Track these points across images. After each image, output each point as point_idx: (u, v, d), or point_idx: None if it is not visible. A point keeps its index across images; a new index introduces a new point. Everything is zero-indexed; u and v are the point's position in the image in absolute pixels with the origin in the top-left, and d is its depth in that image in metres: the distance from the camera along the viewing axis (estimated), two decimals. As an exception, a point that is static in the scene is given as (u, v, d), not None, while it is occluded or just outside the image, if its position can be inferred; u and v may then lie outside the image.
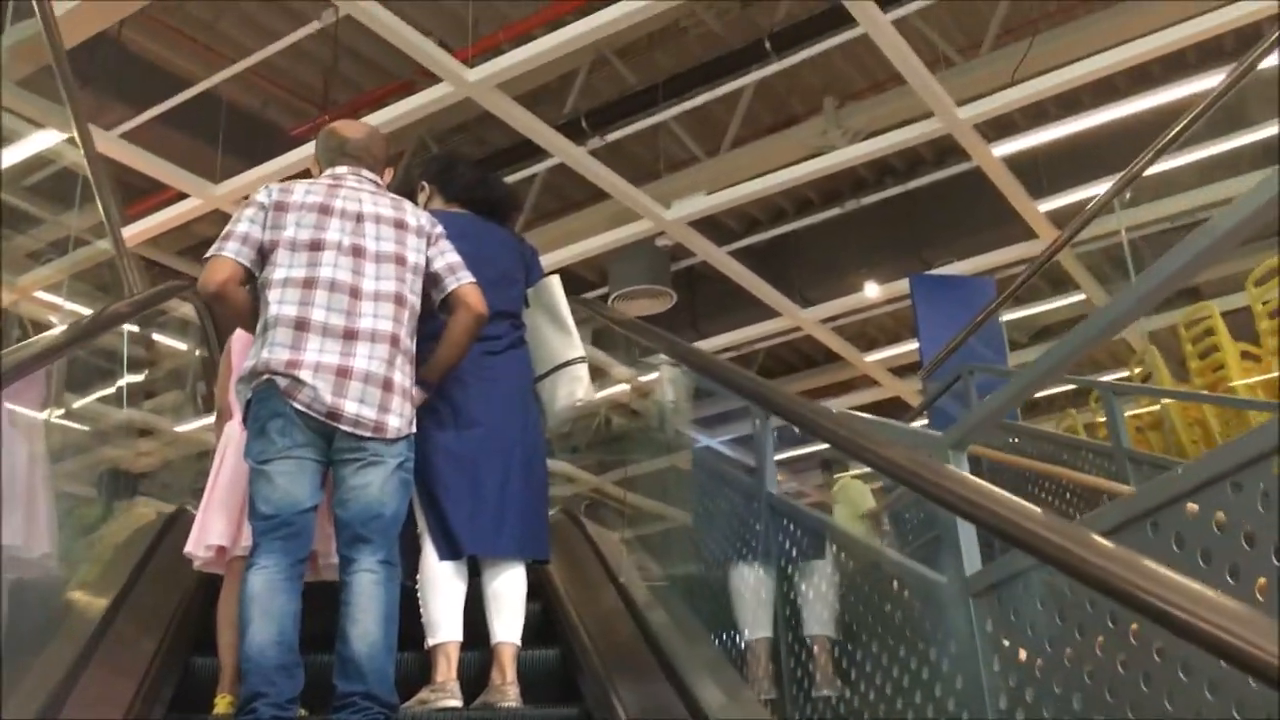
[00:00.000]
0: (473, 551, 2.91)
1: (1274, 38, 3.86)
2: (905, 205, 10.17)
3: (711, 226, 9.95)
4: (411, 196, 3.28)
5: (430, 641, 2.84)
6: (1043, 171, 8.85)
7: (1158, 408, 5.95)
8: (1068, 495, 5.19)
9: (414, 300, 2.84)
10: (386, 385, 2.68)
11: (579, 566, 3.80)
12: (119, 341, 4.57)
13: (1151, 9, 7.49)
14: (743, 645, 3.21)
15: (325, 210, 2.81)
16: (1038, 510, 1.66)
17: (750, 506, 3.40)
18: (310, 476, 2.63)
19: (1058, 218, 8.76)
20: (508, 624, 2.91)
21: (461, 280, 2.89)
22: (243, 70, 8.74)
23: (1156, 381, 5.84)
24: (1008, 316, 8.22)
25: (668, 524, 4.86)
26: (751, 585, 3.22)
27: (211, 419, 3.47)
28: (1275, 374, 4.99)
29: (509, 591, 2.93)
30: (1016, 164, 8.47)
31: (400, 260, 2.83)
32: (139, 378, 4.97)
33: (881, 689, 2.45)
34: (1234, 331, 5.44)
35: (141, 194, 9.30)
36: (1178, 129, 4.47)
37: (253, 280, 2.79)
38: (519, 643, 2.91)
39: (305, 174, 3.29)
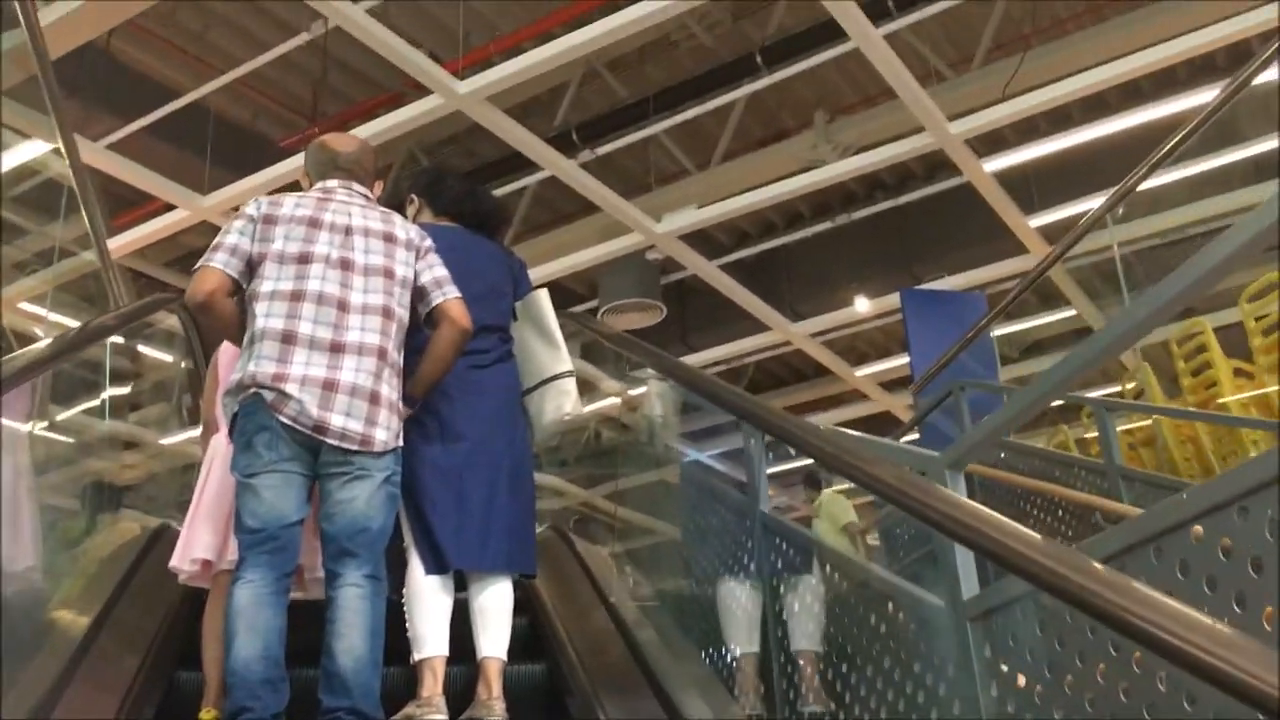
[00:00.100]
0: (459, 566, 2.89)
1: (1273, 48, 3.85)
2: (896, 220, 10.18)
3: (701, 240, 9.94)
4: (400, 209, 3.26)
5: (416, 656, 2.81)
6: (1033, 187, 8.87)
7: (1149, 422, 5.93)
8: (1059, 512, 5.16)
9: (402, 314, 2.83)
10: (373, 398, 2.66)
11: (567, 584, 3.76)
12: (103, 353, 4.52)
13: (1142, 26, 7.52)
14: (731, 661, 3.18)
15: (314, 223, 2.79)
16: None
17: (741, 523, 3.37)
18: (297, 490, 2.61)
19: (1048, 233, 8.77)
20: (494, 639, 2.88)
21: (447, 295, 2.87)
22: (232, 81, 8.71)
23: (1149, 398, 5.83)
24: (998, 331, 8.20)
25: (656, 539, 4.82)
26: (740, 600, 3.20)
27: (197, 431, 3.43)
28: (1269, 390, 4.97)
29: (495, 606, 2.91)
30: (1007, 179, 8.49)
31: (388, 274, 2.82)
32: (124, 390, 4.93)
33: (876, 712, 2.40)
34: (1226, 347, 5.43)
35: (129, 205, 9.24)
36: (1172, 144, 4.46)
37: (241, 292, 2.78)
38: (505, 658, 2.88)
39: (294, 186, 3.26)
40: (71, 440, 4.44)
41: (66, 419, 4.37)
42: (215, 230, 3.21)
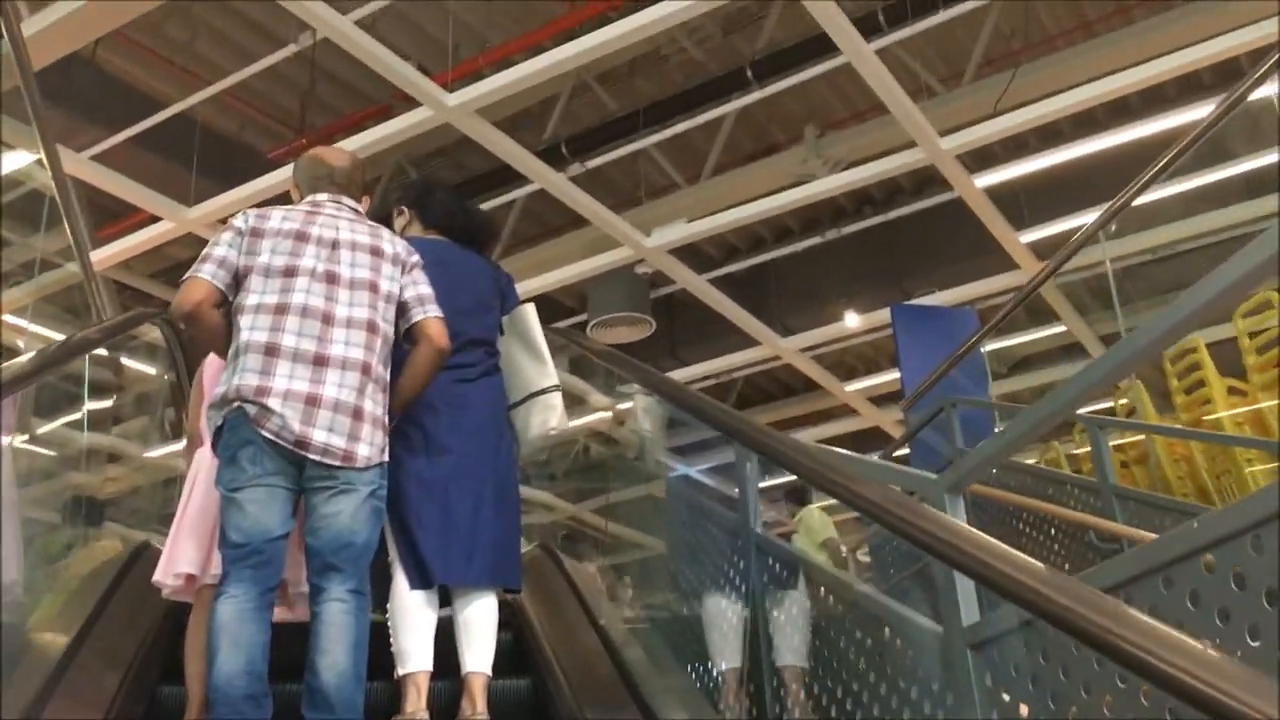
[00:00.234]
0: (444, 581, 2.88)
1: (1272, 61, 3.83)
2: (885, 235, 10.18)
3: (691, 254, 9.92)
4: (387, 221, 3.27)
5: (400, 671, 2.80)
6: (1023, 203, 8.86)
7: (1140, 438, 5.90)
8: (1051, 530, 5.12)
9: (387, 329, 2.82)
10: (356, 414, 2.65)
11: (555, 604, 3.70)
12: (85, 366, 4.48)
13: (1131, 43, 7.53)
14: (718, 675, 3.17)
15: (301, 237, 2.79)
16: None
17: (729, 539, 3.35)
18: (281, 505, 2.60)
19: (1038, 249, 8.77)
20: (478, 654, 2.87)
21: (428, 313, 2.87)
22: (219, 92, 8.66)
23: (1141, 415, 5.80)
24: (987, 347, 8.19)
25: (643, 553, 4.79)
26: (726, 615, 3.19)
27: (179, 445, 3.39)
28: (1261, 406, 4.95)
29: (480, 621, 2.90)
30: (997, 195, 8.48)
31: (374, 288, 2.81)
32: (107, 403, 4.87)
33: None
34: (1218, 363, 5.40)
35: (114, 216, 9.17)
36: (1168, 159, 4.45)
37: (227, 304, 2.78)
38: (490, 673, 2.87)
39: (281, 198, 3.24)
40: (54, 454, 4.40)
41: (48, 432, 4.32)
42: (201, 242, 3.19)
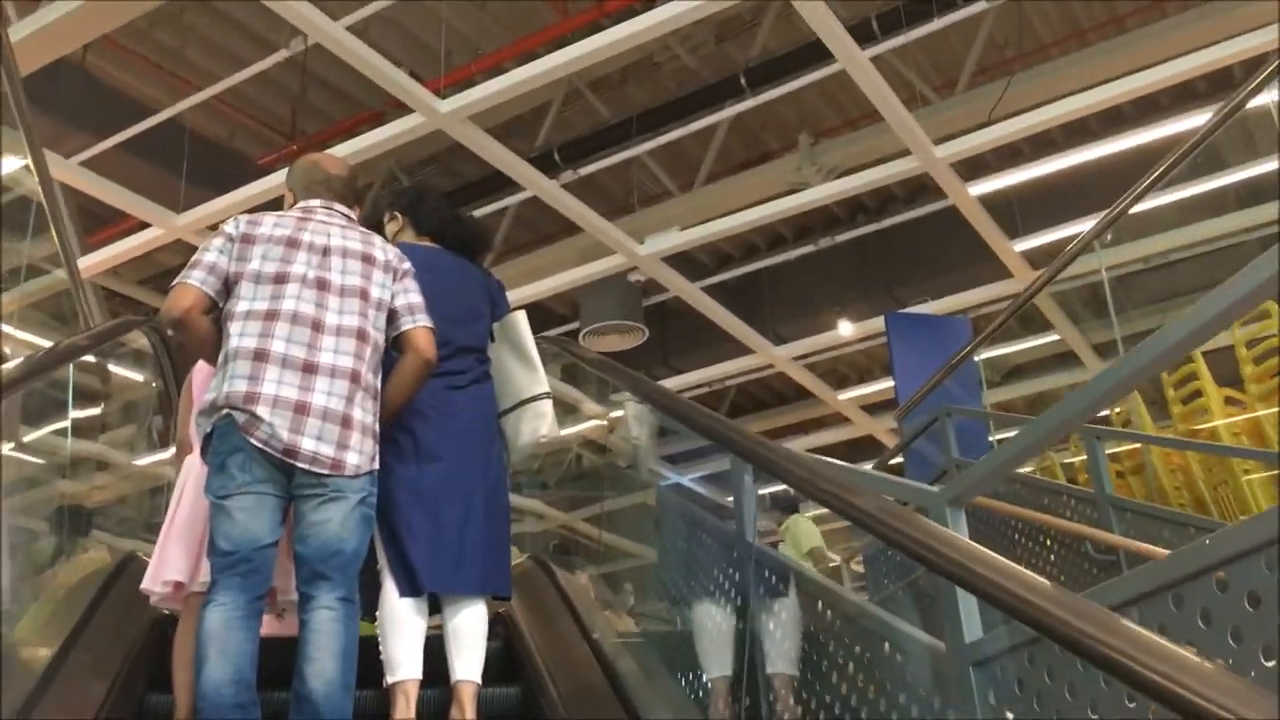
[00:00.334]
0: (433, 588, 2.87)
1: (1271, 68, 3.81)
2: (878, 243, 10.16)
3: (684, 261, 9.88)
4: (379, 227, 3.26)
5: (389, 679, 2.79)
6: (1017, 211, 8.85)
7: (1136, 447, 5.87)
8: (1045, 540, 5.09)
9: (377, 336, 2.80)
10: (345, 422, 2.63)
11: (547, 617, 3.66)
12: (72, 373, 4.45)
13: (1124, 52, 7.53)
14: (707, 683, 3.16)
15: (292, 244, 2.78)
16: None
17: (722, 548, 3.33)
18: (270, 512, 2.58)
19: (1031, 258, 8.75)
20: (468, 662, 2.86)
21: (417, 322, 2.87)
22: (209, 98, 8.61)
23: (1137, 425, 5.77)
24: (980, 355, 8.16)
25: (636, 562, 4.75)
26: (717, 623, 3.18)
27: (166, 453, 3.37)
28: (1259, 415, 4.92)
29: (469, 628, 2.89)
30: (990, 203, 8.46)
31: (364, 295, 2.80)
32: (95, 411, 4.84)
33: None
34: (1214, 371, 5.38)
35: (103, 222, 9.11)
36: (1164, 167, 4.43)
37: (217, 310, 2.76)
38: (479, 681, 2.86)
39: (271, 205, 3.21)
40: (41, 462, 4.36)
41: (34, 440, 4.28)
42: (190, 249, 3.16)
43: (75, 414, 4.44)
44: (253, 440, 2.55)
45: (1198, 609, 1.47)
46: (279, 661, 2.55)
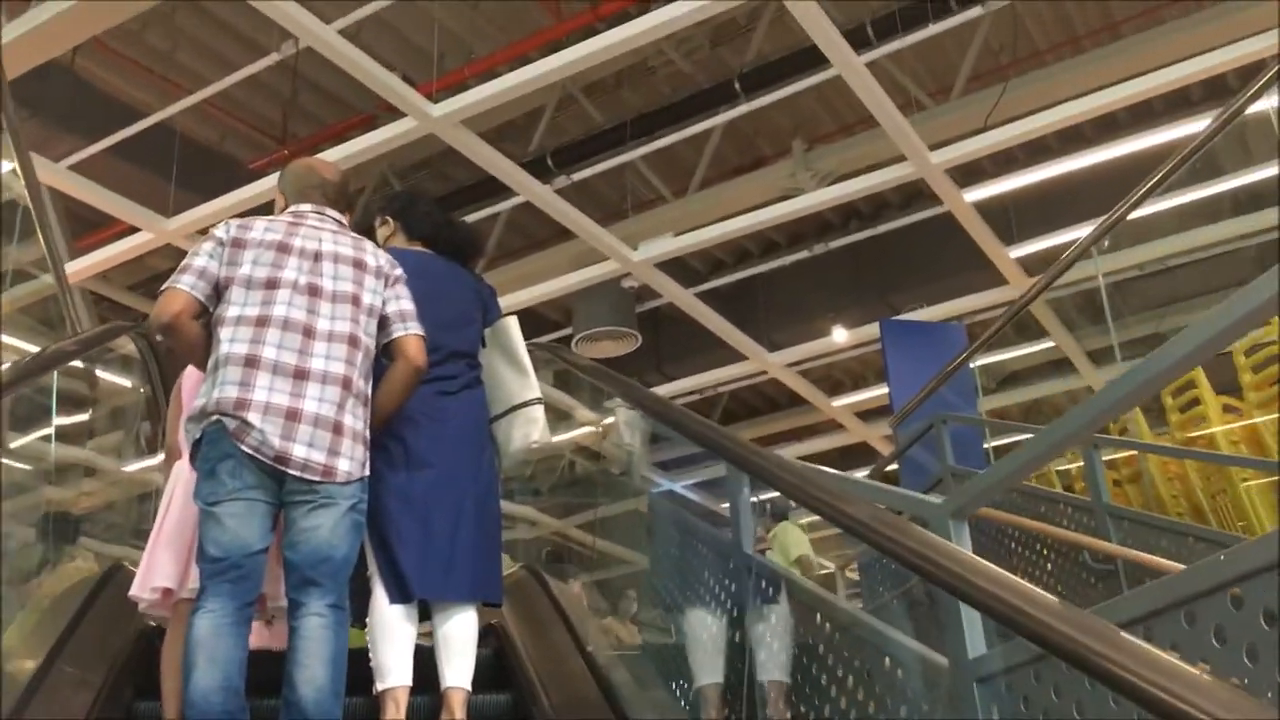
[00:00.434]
0: (423, 595, 2.86)
1: (1272, 73, 3.79)
2: (872, 250, 10.14)
3: (677, 267, 9.84)
4: (369, 232, 3.25)
5: (379, 686, 2.77)
6: (1012, 218, 8.83)
7: (1132, 454, 5.83)
8: (1039, 547, 5.05)
9: (368, 342, 2.79)
10: (336, 429, 2.62)
11: (541, 629, 3.62)
12: (59, 379, 4.41)
13: (1119, 59, 7.51)
14: (696, 690, 3.15)
15: (284, 249, 2.77)
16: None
17: (715, 556, 3.31)
18: (260, 519, 2.56)
19: (1025, 264, 8.73)
20: (458, 669, 2.84)
21: (409, 330, 2.85)
22: (199, 102, 8.55)
23: (1134, 433, 5.74)
24: (976, 362, 8.14)
25: (628, 569, 4.72)
26: (710, 630, 3.17)
27: (153, 460, 3.35)
28: (1257, 421, 4.89)
29: (460, 635, 2.88)
30: (984, 210, 8.44)
31: (356, 301, 2.78)
32: (82, 417, 4.80)
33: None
34: (1211, 377, 5.35)
35: (92, 227, 9.05)
36: (1163, 173, 4.41)
37: (207, 315, 2.74)
38: (469, 688, 2.84)
39: (261, 209, 3.18)
40: (27, 468, 4.32)
41: (21, 446, 4.24)
42: (180, 254, 3.13)
43: (63, 420, 4.40)
44: (243, 447, 2.53)
45: (1211, 626, 1.43)
46: (268, 669, 2.54)
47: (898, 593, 5.30)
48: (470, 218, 8.87)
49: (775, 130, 9.36)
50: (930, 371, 6.79)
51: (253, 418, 2.53)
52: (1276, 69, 3.74)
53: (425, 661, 2.85)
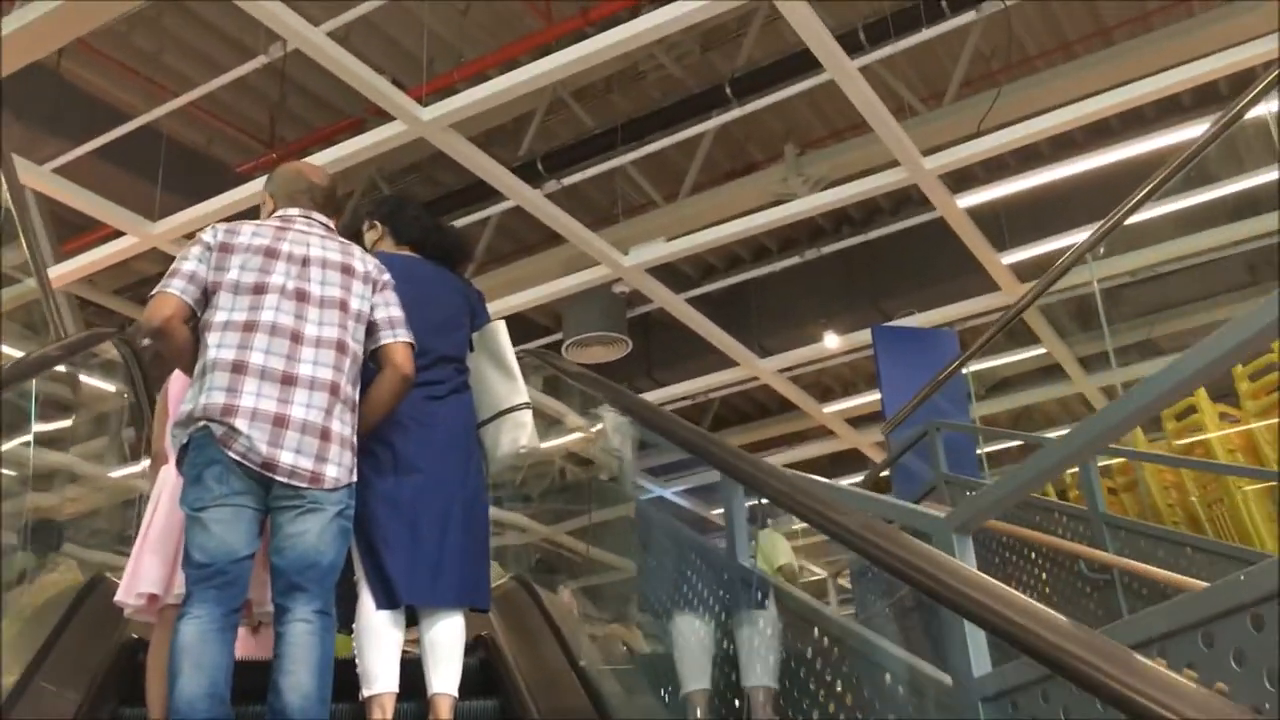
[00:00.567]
0: (410, 601, 2.87)
1: (1272, 76, 3.76)
2: (863, 255, 10.11)
3: (668, 273, 9.79)
4: (357, 237, 3.26)
5: (365, 693, 2.78)
6: (1004, 224, 8.81)
7: (1127, 462, 5.80)
8: (1033, 555, 5.02)
9: (356, 348, 2.80)
10: (324, 435, 2.63)
11: (532, 642, 3.57)
12: (39, 383, 4.37)
13: (1111, 65, 7.49)
14: (682, 697, 3.10)
15: (271, 254, 2.77)
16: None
17: (706, 565, 3.26)
18: (247, 524, 2.56)
19: (1018, 270, 8.71)
20: (445, 675, 2.86)
21: (397, 337, 2.85)
22: (186, 104, 8.46)
23: (1130, 440, 5.71)
24: (967, 369, 8.11)
25: (619, 575, 4.69)
26: (699, 636, 3.15)
27: (136, 467, 3.33)
28: (1254, 426, 4.85)
29: (447, 641, 2.88)
30: (976, 216, 8.41)
31: (344, 306, 2.78)
32: (65, 423, 4.76)
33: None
34: (1208, 386, 5.31)
35: (78, 230, 8.95)
36: (1160, 178, 4.38)
37: (196, 319, 2.74)
38: (456, 694, 2.85)
39: (248, 213, 3.15)
40: (11, 474, 4.28)
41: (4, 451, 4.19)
42: (166, 258, 3.10)
43: (44, 426, 4.36)
44: (230, 453, 2.53)
45: (1231, 649, 1.38)
46: (254, 675, 2.55)
47: (891, 600, 5.25)
48: (460, 222, 8.82)
49: (767, 135, 9.33)
50: (922, 377, 6.76)
51: (240, 424, 2.54)
52: (1277, 74, 3.72)
53: (413, 669, 2.84)
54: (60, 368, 4.40)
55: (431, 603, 2.89)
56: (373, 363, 2.85)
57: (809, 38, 6.11)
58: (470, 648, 3.02)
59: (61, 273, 8.36)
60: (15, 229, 4.76)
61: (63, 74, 8.23)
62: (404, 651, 2.87)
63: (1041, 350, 9.72)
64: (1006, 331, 8.24)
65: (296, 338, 2.67)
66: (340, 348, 2.72)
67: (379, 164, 9.15)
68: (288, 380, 2.62)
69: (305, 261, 2.77)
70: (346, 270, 2.83)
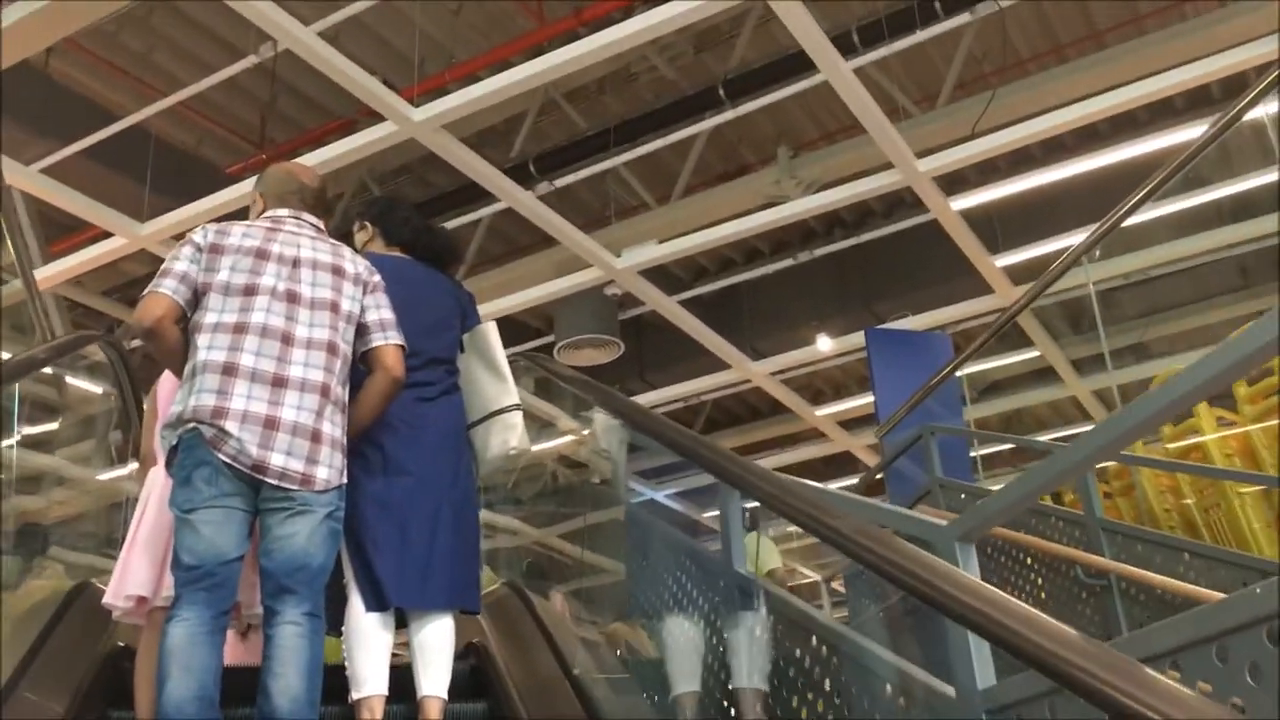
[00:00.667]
0: (399, 603, 2.86)
1: (1271, 78, 3.75)
2: (856, 258, 10.09)
3: (660, 275, 9.76)
4: (347, 237, 3.25)
5: (355, 695, 2.77)
6: (997, 227, 8.80)
7: (1123, 466, 5.79)
8: (1028, 560, 4.99)
9: (346, 350, 2.79)
10: (315, 436, 2.62)
11: (525, 650, 3.54)
12: (29, 385, 4.35)
13: (1103, 69, 7.49)
14: (672, 699, 3.13)
15: (261, 255, 2.76)
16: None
17: (700, 569, 3.24)
18: (237, 526, 2.56)
19: (1011, 273, 8.70)
20: (434, 678, 2.85)
21: (388, 339, 2.85)
22: (175, 105, 8.41)
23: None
24: (961, 371, 8.10)
25: (611, 578, 4.67)
26: (690, 638, 3.14)
27: (124, 469, 3.30)
28: (1251, 429, 4.84)
29: (436, 643, 2.87)
30: (969, 218, 8.39)
31: (335, 308, 2.77)
32: (52, 425, 4.73)
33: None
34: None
35: (66, 231, 8.89)
36: (1157, 181, 4.36)
37: (187, 320, 2.73)
38: (446, 696, 2.84)
39: (238, 214, 3.13)
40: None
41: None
42: (154, 259, 3.07)
43: (30, 429, 4.33)
44: (220, 455, 2.52)
45: (1246, 664, 1.34)
46: (243, 678, 2.54)
47: (886, 604, 5.23)
48: (451, 224, 8.78)
49: (760, 137, 9.31)
50: (916, 380, 6.74)
51: (230, 426, 2.53)
52: (1276, 75, 3.71)
53: (403, 672, 2.83)
54: (47, 370, 4.36)
55: (421, 605, 2.87)
56: (363, 365, 2.84)
57: (803, 39, 6.09)
58: (462, 654, 3.00)
59: (49, 274, 8.30)
60: (1, 230, 4.70)
61: (51, 73, 8.17)
62: (394, 655, 2.85)
63: (1035, 353, 9.72)
64: (1000, 335, 8.25)
65: (287, 339, 2.66)
66: (331, 349, 2.71)
67: (370, 165, 9.10)
68: (278, 382, 2.61)
69: (296, 263, 2.77)
70: (337, 272, 2.82)
